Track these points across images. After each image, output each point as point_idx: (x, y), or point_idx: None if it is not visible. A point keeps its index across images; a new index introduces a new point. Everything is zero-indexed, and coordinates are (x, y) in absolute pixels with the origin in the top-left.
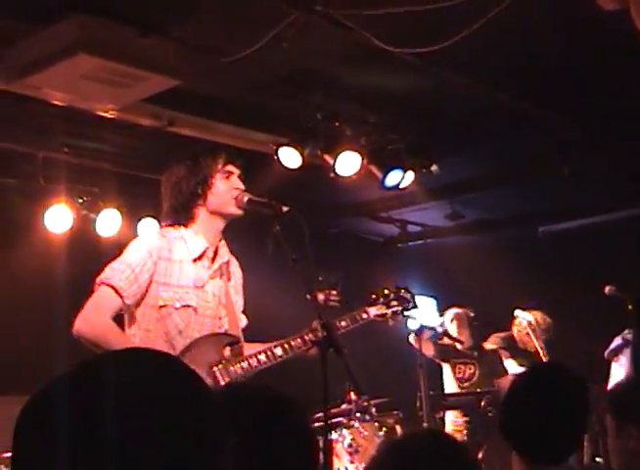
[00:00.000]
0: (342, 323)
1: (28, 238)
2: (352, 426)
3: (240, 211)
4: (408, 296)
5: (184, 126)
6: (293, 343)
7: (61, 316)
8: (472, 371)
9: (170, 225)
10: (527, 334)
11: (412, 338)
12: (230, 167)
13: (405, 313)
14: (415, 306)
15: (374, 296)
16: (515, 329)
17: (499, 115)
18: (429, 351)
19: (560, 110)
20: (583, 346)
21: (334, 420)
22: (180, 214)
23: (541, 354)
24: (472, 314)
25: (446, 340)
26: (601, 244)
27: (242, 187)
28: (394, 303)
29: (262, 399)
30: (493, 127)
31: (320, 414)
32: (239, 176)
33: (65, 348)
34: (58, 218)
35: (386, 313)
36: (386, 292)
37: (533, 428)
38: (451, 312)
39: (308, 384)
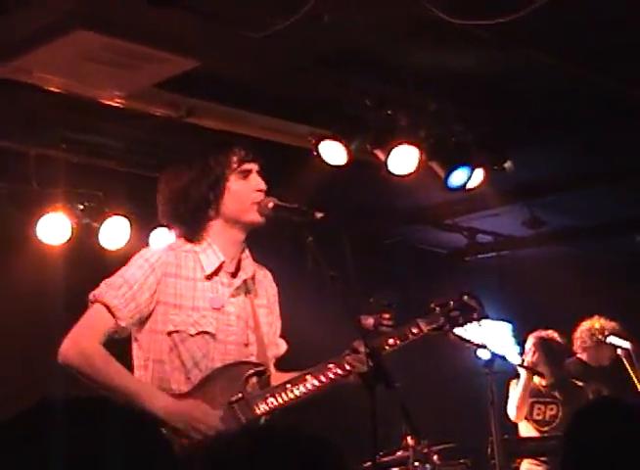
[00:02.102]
0: (390, 341)
1: (20, 252)
2: None
3: (261, 219)
4: (473, 303)
5: (206, 117)
6: (330, 372)
7: (57, 345)
8: (553, 412)
9: (183, 237)
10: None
11: (510, 409)
12: (248, 165)
13: (470, 325)
14: (483, 316)
15: (432, 305)
16: None
17: (589, 100)
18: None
19: None
20: None
21: None
22: (190, 226)
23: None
24: (550, 339)
25: (522, 373)
26: None
27: (263, 187)
28: (455, 312)
29: (289, 446)
30: (581, 116)
31: (369, 464)
32: (258, 173)
33: (58, 380)
34: (54, 228)
35: (443, 325)
36: (444, 299)
37: None
38: (530, 340)
39: (354, 426)
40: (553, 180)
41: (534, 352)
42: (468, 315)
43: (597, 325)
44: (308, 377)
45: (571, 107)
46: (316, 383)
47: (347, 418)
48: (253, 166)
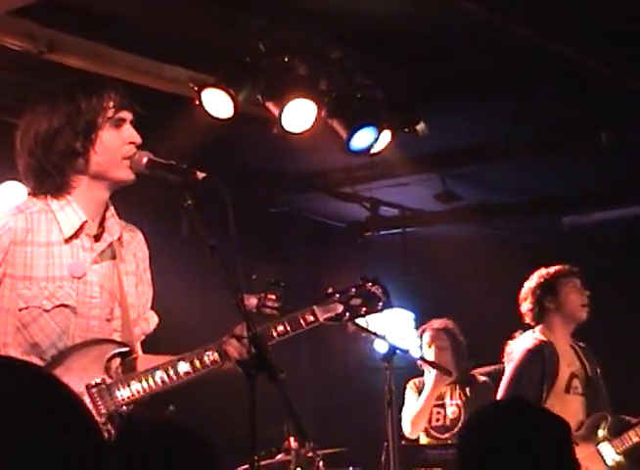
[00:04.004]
0: (280, 328)
1: None
2: None
3: (132, 176)
4: (378, 291)
5: (69, 53)
6: (206, 357)
7: None
8: (454, 416)
9: (34, 195)
10: None
11: (405, 421)
12: (123, 113)
13: (372, 315)
14: (388, 306)
15: (329, 291)
16: None
17: (518, 59)
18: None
19: (603, 56)
20: (624, 380)
21: None
22: (53, 180)
23: None
24: (447, 329)
25: (426, 371)
26: None
27: (138, 140)
28: (357, 300)
29: (154, 437)
30: (508, 75)
31: (245, 467)
32: (131, 124)
33: None
34: None
35: (342, 314)
36: (344, 285)
37: None
38: (427, 332)
39: (228, 422)
40: (471, 149)
41: (433, 345)
42: (371, 305)
43: None
44: (181, 363)
45: (495, 64)
46: (190, 370)
47: (221, 412)
48: (128, 115)
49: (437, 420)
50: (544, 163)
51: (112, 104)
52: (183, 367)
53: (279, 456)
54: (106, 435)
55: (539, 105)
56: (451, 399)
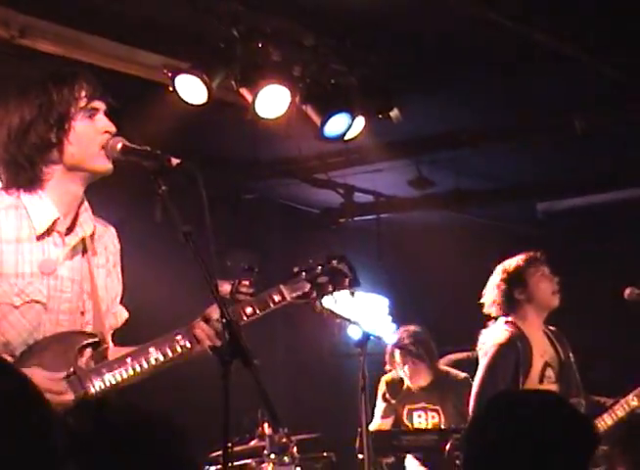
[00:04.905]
0: (248, 310)
1: None
2: None
3: (110, 166)
4: (344, 268)
5: (42, 39)
6: (175, 344)
7: None
8: (435, 421)
9: (5, 191)
10: None
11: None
12: (96, 103)
13: (340, 294)
14: (355, 284)
15: (296, 269)
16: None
17: (492, 45)
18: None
19: (577, 43)
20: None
21: (238, 462)
22: (25, 173)
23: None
24: (427, 336)
25: (398, 358)
26: (619, 228)
27: (112, 130)
28: (323, 278)
29: (126, 422)
30: (483, 61)
31: (219, 453)
32: (105, 114)
33: None
34: None
35: (309, 293)
36: (310, 263)
37: None
38: (397, 352)
39: (201, 408)
40: (446, 135)
41: (404, 364)
42: (338, 283)
43: None
44: (152, 350)
45: (470, 50)
46: (161, 357)
47: (195, 398)
48: (100, 105)
49: (420, 423)
50: (518, 149)
51: (83, 93)
52: (154, 355)
53: (253, 442)
54: (74, 422)
55: (513, 92)
56: (430, 403)
